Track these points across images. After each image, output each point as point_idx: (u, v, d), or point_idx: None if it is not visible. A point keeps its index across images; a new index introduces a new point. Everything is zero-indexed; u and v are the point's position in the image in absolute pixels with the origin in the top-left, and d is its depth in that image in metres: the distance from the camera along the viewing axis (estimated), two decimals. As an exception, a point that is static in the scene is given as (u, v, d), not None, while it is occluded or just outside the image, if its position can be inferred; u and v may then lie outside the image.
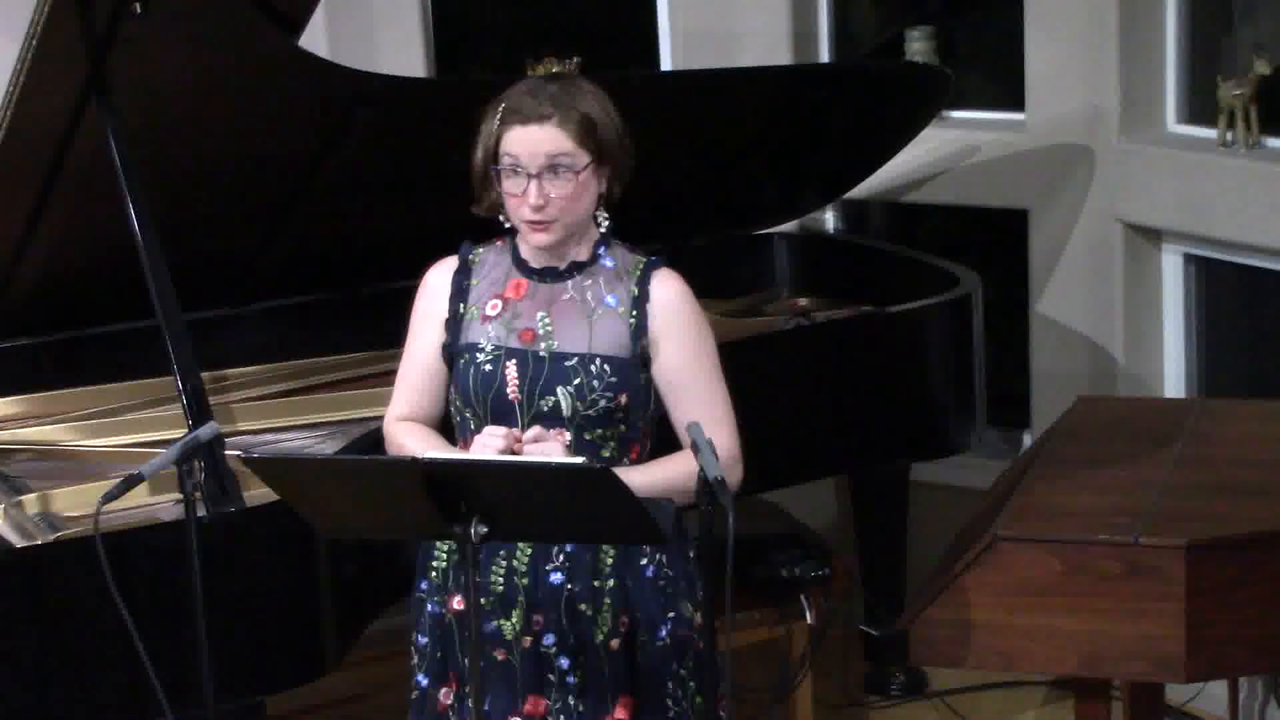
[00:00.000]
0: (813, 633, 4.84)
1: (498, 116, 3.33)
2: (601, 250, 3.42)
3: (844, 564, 5.03)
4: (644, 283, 3.39)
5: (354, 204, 4.60)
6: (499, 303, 3.42)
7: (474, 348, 3.40)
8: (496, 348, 3.38)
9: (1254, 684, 5.00)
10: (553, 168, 3.30)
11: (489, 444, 3.29)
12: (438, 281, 3.48)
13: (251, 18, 4.01)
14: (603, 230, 3.41)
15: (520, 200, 3.32)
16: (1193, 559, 3.78)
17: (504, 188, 3.34)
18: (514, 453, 3.28)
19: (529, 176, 3.30)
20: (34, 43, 3.79)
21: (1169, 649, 3.80)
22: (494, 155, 3.34)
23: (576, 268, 3.41)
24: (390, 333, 3.66)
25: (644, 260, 3.43)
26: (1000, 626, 3.90)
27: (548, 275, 3.42)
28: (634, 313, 3.38)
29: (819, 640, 4.87)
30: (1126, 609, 3.82)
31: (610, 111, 3.36)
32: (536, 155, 3.29)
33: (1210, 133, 5.17)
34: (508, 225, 3.40)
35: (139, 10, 3.79)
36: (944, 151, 5.66)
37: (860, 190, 5.57)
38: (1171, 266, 5.36)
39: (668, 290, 3.40)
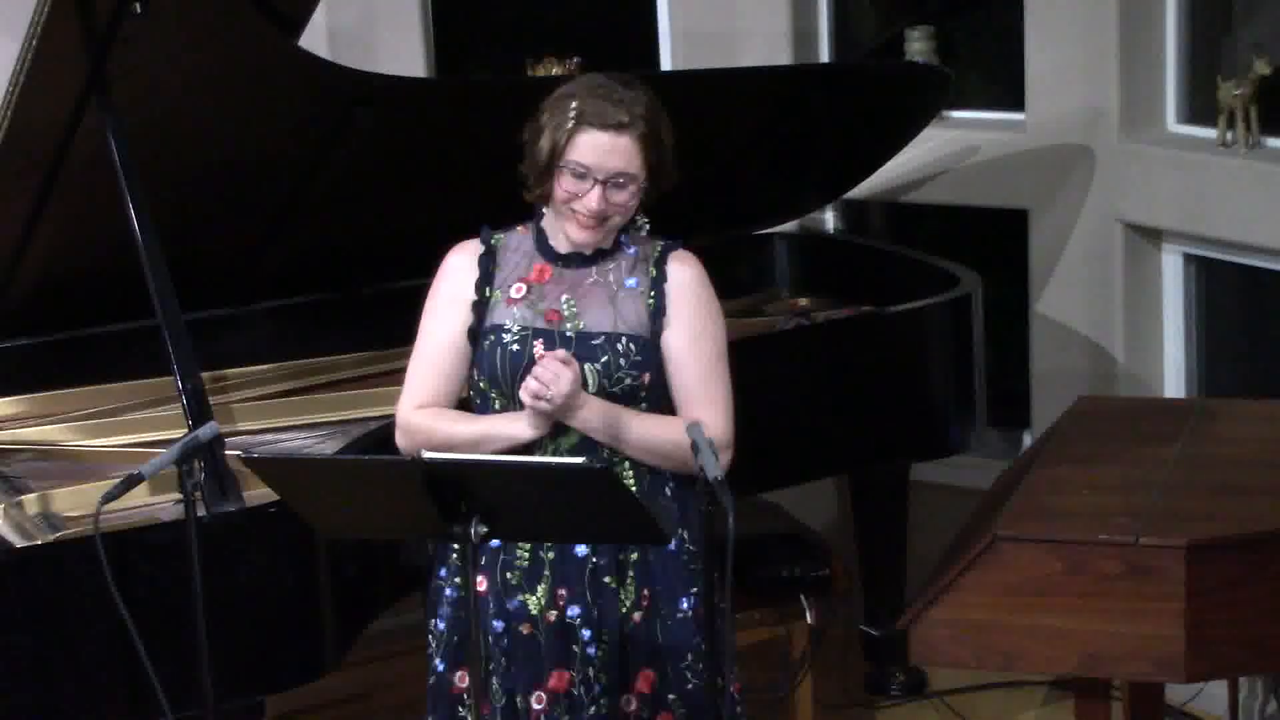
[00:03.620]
0: (813, 633, 4.84)
1: (571, 115, 3.35)
2: (624, 238, 3.48)
3: (844, 564, 5.03)
4: (661, 264, 3.46)
5: (354, 204, 4.60)
6: (523, 286, 3.46)
7: (499, 329, 3.43)
8: (523, 328, 3.42)
9: (1254, 684, 5.00)
10: (618, 179, 3.35)
11: (560, 373, 3.31)
12: (461, 264, 3.50)
13: (251, 18, 4.01)
14: (643, 232, 3.47)
15: (573, 197, 3.36)
16: (1193, 559, 3.78)
17: (562, 183, 3.37)
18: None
19: (596, 182, 3.34)
20: (34, 43, 3.79)
21: (1169, 649, 3.80)
22: (561, 152, 3.36)
23: (601, 254, 3.47)
24: (391, 333, 3.67)
25: (661, 243, 3.49)
26: (1000, 626, 3.90)
27: (573, 261, 3.46)
28: (652, 294, 3.44)
29: (819, 640, 4.87)
30: (1126, 609, 3.82)
31: (667, 122, 3.42)
32: (606, 166, 3.34)
33: (1210, 133, 5.17)
34: (540, 219, 3.44)
35: (139, 10, 3.79)
36: (944, 151, 5.66)
37: (860, 190, 5.57)
38: (1171, 266, 5.36)
39: (682, 270, 3.47)
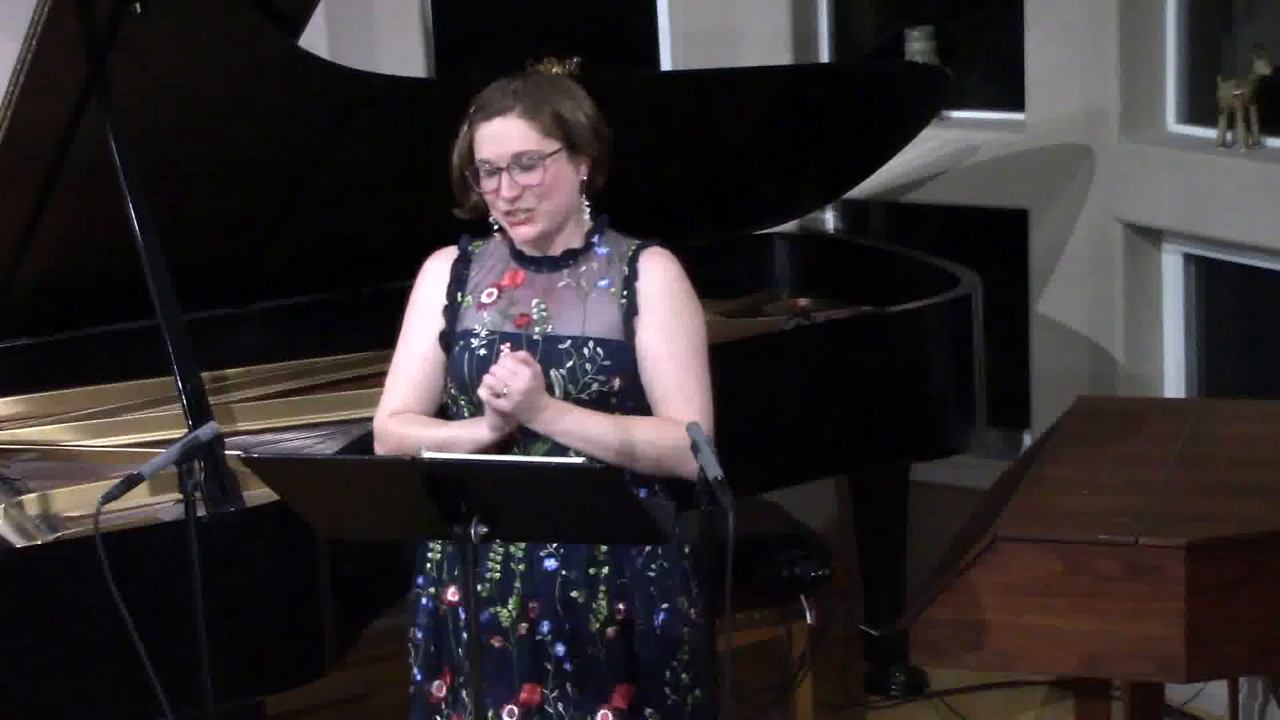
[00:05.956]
0: (813, 633, 4.84)
1: (468, 120, 3.39)
2: (596, 238, 3.45)
3: (844, 564, 5.04)
4: (634, 263, 3.42)
5: (354, 204, 4.60)
6: (495, 291, 3.44)
7: (469, 334, 3.42)
8: (491, 332, 3.40)
9: (1254, 684, 5.00)
10: (520, 160, 3.33)
11: (517, 370, 3.27)
12: (436, 270, 3.50)
13: (251, 17, 4.01)
14: (586, 217, 3.44)
15: (495, 195, 3.35)
16: (1193, 559, 3.78)
17: (482, 187, 3.37)
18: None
19: (499, 171, 3.33)
20: (34, 43, 3.79)
21: (1169, 649, 3.80)
22: (469, 157, 3.38)
23: (571, 255, 3.44)
24: (390, 333, 3.66)
25: (637, 244, 3.46)
26: (1000, 626, 3.90)
27: (544, 265, 3.44)
28: (624, 293, 3.40)
29: (819, 640, 4.87)
30: (1126, 609, 3.82)
31: (580, 101, 3.40)
32: (504, 152, 3.33)
33: (1210, 133, 5.17)
34: (496, 227, 3.43)
35: (139, 10, 3.80)
36: (944, 151, 5.66)
37: (860, 190, 5.57)
38: (1171, 266, 5.37)
39: (654, 268, 3.42)
